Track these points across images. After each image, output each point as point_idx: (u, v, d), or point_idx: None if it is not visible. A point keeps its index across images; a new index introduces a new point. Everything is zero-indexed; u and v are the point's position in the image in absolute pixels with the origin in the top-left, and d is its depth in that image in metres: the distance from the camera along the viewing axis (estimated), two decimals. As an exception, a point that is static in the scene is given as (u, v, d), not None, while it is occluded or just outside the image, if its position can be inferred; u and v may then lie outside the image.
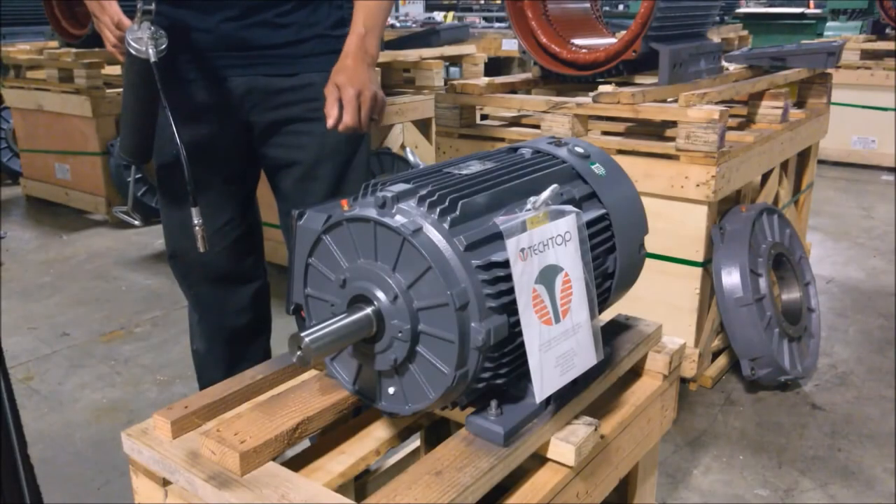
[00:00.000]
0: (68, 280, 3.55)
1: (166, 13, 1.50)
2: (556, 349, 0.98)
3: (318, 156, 1.60)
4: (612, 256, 1.16)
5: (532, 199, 0.98)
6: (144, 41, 1.34)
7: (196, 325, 1.78)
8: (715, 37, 3.78)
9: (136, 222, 1.68)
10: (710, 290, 2.39)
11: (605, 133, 2.64)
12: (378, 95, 1.44)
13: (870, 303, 3.18)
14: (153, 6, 1.34)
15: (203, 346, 1.79)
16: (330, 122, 1.39)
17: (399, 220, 0.95)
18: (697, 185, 2.20)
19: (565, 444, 1.05)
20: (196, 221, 1.38)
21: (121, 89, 4.64)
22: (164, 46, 1.37)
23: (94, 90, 4.10)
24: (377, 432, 1.19)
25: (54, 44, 4.79)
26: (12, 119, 4.91)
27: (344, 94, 1.39)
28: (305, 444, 1.16)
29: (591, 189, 1.17)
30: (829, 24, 7.61)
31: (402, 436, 1.22)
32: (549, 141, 1.26)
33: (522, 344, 0.96)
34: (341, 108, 1.40)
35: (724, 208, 2.45)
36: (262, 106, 1.57)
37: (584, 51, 2.66)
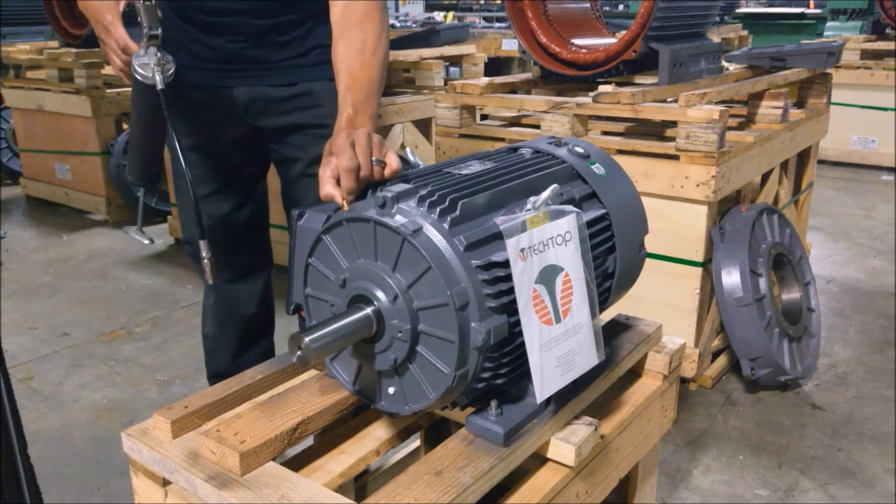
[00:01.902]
0: (68, 280, 3.55)
1: (177, 23, 1.55)
2: (557, 349, 0.98)
3: (319, 154, 1.63)
4: (612, 256, 1.16)
5: (532, 199, 0.98)
6: (151, 67, 1.30)
7: (210, 308, 1.82)
8: (715, 37, 3.78)
9: (147, 241, 1.62)
10: (710, 290, 2.39)
11: (605, 133, 2.64)
12: (371, 135, 1.13)
13: (870, 303, 3.18)
14: (159, 31, 1.30)
15: (213, 331, 1.83)
16: (339, 199, 1.04)
17: (399, 220, 0.95)
18: (697, 185, 2.20)
19: (565, 444, 1.05)
20: (204, 254, 1.35)
21: (121, 89, 4.61)
22: (171, 72, 1.33)
23: (94, 90, 4.10)
24: (377, 432, 1.19)
25: (54, 44, 4.79)
26: (12, 119, 4.91)
27: (333, 145, 1.10)
28: (305, 444, 1.16)
29: (591, 189, 1.17)
30: (829, 24, 7.60)
31: (402, 436, 1.22)
32: (549, 141, 1.26)
33: (522, 344, 0.96)
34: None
35: (724, 208, 2.45)
36: (266, 113, 1.63)
37: (583, 51, 2.66)
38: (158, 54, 1.30)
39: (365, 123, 1.26)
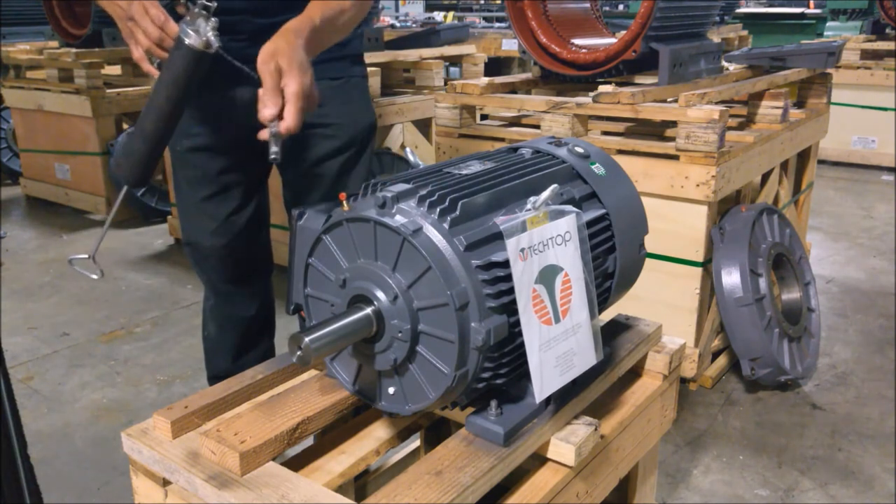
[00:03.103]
0: (68, 280, 3.55)
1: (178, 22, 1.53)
2: (556, 349, 0.98)
3: (320, 154, 1.63)
4: (612, 256, 1.16)
5: (532, 199, 0.98)
6: (204, 30, 1.26)
7: (210, 310, 1.82)
8: (715, 37, 3.78)
9: (94, 276, 1.40)
10: (710, 290, 2.39)
11: (605, 133, 2.64)
12: (315, 94, 1.28)
13: (870, 303, 3.18)
14: (214, 4, 1.26)
15: (214, 332, 1.83)
16: (267, 112, 1.21)
17: (399, 220, 0.95)
18: (697, 185, 2.20)
19: (565, 444, 1.05)
20: (271, 130, 1.27)
21: (121, 89, 4.57)
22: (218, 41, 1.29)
23: (94, 90, 4.10)
24: (377, 432, 1.19)
25: (54, 44, 4.79)
26: (12, 119, 4.91)
27: (288, 87, 1.21)
28: (305, 444, 1.16)
29: (591, 189, 1.17)
30: (829, 24, 7.61)
31: (402, 436, 1.22)
32: (549, 141, 1.26)
33: (522, 344, 0.96)
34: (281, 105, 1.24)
35: (724, 208, 2.45)
36: None
37: (583, 51, 2.66)
38: (212, 19, 1.26)
39: (316, 48, 1.32)
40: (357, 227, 0.99)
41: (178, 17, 1.31)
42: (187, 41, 1.26)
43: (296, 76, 1.20)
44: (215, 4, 1.26)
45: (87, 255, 1.38)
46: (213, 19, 1.26)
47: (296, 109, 1.20)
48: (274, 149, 1.19)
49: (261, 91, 1.21)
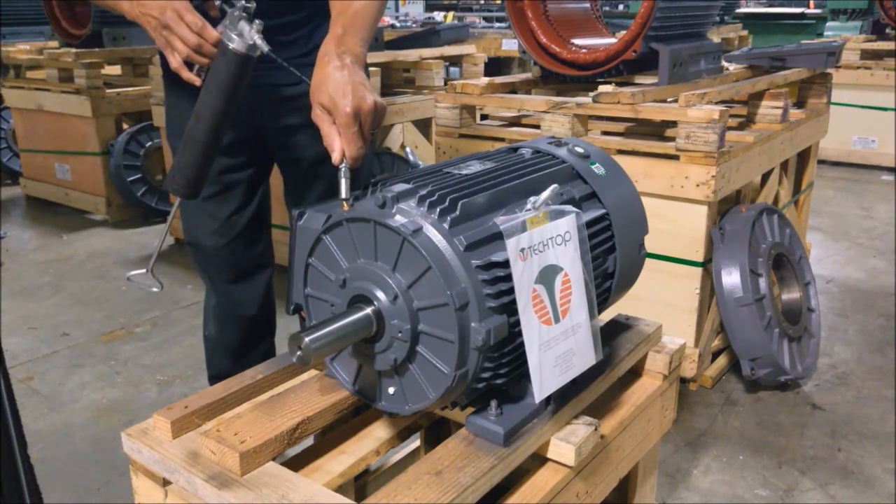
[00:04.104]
0: (68, 280, 3.55)
1: None
2: (556, 349, 0.98)
3: (320, 154, 1.64)
4: (612, 256, 1.16)
5: (532, 199, 0.98)
6: (249, 34, 1.21)
7: (211, 309, 1.82)
8: (715, 37, 3.78)
9: (155, 288, 1.39)
10: (710, 290, 2.39)
11: (605, 133, 2.65)
12: (377, 104, 1.17)
13: (870, 303, 3.18)
14: (253, 5, 1.22)
15: (215, 331, 1.83)
16: (336, 157, 1.14)
17: (399, 220, 0.95)
18: (697, 185, 2.20)
19: (565, 444, 1.05)
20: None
21: (121, 89, 4.55)
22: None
23: (94, 90, 4.10)
24: (377, 432, 1.19)
25: (54, 44, 4.79)
26: (12, 119, 4.91)
27: (338, 117, 1.14)
28: (305, 444, 1.16)
29: (591, 189, 1.17)
30: (829, 24, 7.60)
31: (402, 436, 1.22)
32: (549, 141, 1.27)
33: (522, 344, 0.96)
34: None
35: (724, 208, 2.45)
36: (272, 112, 1.63)
37: (583, 51, 2.67)
38: (257, 21, 1.21)
39: (353, 45, 1.24)
40: (357, 227, 0.99)
41: (209, 20, 1.29)
42: (232, 46, 1.22)
43: (338, 107, 1.14)
44: (254, 5, 1.22)
45: (144, 271, 1.40)
46: (256, 22, 1.22)
47: (348, 139, 1.14)
48: (342, 189, 1.10)
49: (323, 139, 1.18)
